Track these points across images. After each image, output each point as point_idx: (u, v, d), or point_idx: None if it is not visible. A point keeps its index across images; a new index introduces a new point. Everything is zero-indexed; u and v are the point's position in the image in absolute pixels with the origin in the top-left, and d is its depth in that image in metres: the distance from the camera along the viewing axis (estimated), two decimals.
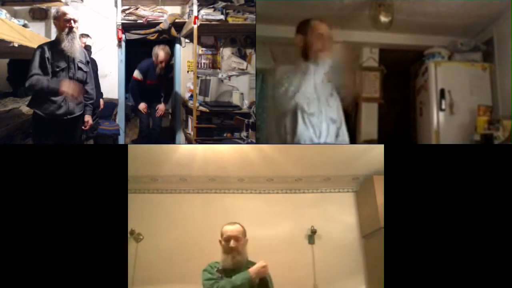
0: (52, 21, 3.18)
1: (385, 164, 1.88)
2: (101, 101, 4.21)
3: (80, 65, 2.84)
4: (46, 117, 2.75)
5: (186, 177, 2.90)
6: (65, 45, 2.73)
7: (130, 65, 4.90)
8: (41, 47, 2.73)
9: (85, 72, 2.90)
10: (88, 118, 2.95)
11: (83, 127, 2.94)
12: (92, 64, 3.40)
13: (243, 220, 3.00)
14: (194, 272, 2.83)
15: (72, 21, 2.75)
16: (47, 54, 2.70)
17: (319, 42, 2.00)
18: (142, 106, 4.47)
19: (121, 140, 4.81)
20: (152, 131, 4.64)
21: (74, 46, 2.76)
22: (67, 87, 2.68)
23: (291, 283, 2.79)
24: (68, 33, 2.74)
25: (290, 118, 2.00)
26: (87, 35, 3.97)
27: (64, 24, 2.75)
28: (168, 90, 4.76)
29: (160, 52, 4.32)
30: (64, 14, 2.76)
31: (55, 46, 2.75)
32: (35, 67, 2.66)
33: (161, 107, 4.60)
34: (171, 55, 4.59)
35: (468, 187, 1.80)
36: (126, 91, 5.00)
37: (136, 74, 4.44)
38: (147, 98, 4.52)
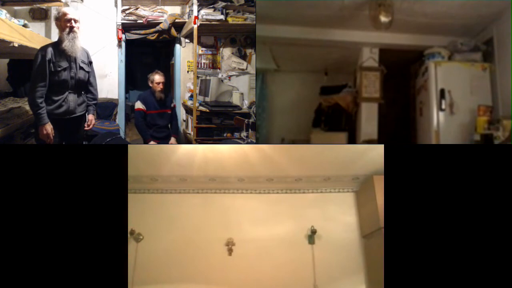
0: (53, 21, 3.20)
1: (385, 164, 1.88)
2: None
3: (82, 65, 2.88)
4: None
5: (186, 177, 2.90)
6: (66, 44, 2.75)
7: (130, 65, 4.90)
8: (43, 49, 2.75)
9: (87, 72, 2.93)
10: (91, 117, 3.02)
11: (86, 125, 3.01)
12: None
13: (243, 220, 3.03)
14: (193, 272, 2.86)
15: (72, 21, 2.77)
16: (49, 56, 2.72)
17: None
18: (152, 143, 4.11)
19: None
20: None
21: (75, 46, 2.78)
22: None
23: (291, 283, 2.79)
24: (69, 33, 2.77)
25: None
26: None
27: (65, 24, 2.78)
28: (174, 121, 4.37)
29: (155, 76, 4.10)
30: (65, 14, 2.79)
31: (56, 46, 2.78)
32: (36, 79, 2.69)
33: (172, 141, 4.23)
34: (166, 80, 4.26)
35: (468, 187, 1.80)
36: (126, 91, 5.00)
37: (138, 104, 4.12)
38: (155, 132, 4.18)
